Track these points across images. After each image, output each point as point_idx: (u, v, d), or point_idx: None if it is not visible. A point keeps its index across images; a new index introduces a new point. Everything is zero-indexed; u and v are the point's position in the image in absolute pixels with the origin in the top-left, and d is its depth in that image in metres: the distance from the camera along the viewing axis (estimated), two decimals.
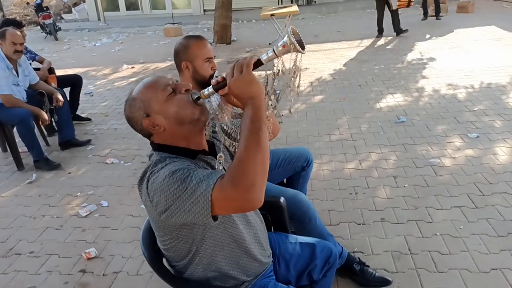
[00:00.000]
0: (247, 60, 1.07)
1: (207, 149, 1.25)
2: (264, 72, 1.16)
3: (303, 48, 1.07)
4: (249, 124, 1.03)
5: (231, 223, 1.23)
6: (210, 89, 1.14)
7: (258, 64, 1.09)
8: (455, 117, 3.78)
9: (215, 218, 1.03)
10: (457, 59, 5.67)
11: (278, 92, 1.18)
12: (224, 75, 1.13)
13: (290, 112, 1.26)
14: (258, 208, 1.37)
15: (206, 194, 0.99)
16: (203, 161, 1.22)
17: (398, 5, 7.05)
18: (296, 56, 1.09)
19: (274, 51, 1.08)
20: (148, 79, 1.20)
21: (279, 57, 1.09)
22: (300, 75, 1.14)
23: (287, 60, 1.13)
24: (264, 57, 1.09)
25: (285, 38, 1.05)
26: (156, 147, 1.20)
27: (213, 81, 1.15)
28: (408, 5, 7.20)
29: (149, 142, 1.23)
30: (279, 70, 1.14)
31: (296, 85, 1.14)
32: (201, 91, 1.16)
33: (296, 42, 1.04)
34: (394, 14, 7.26)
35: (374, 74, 5.40)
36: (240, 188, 0.97)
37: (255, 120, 1.03)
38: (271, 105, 1.16)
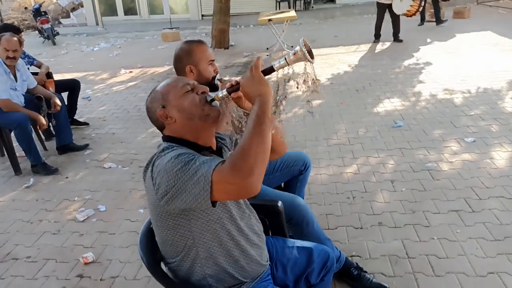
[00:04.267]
0: (255, 62, 1.19)
1: (214, 148, 1.32)
2: (275, 76, 1.25)
3: (312, 57, 1.18)
4: (254, 117, 1.10)
5: (231, 220, 1.25)
6: (224, 91, 1.25)
7: (270, 71, 1.20)
8: (451, 121, 3.80)
9: (213, 204, 1.08)
10: (454, 64, 5.70)
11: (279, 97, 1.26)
12: (237, 79, 1.23)
13: (309, 102, 1.33)
14: (256, 212, 1.39)
15: (206, 175, 1.04)
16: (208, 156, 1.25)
17: (404, 13, 6.96)
18: (306, 64, 1.21)
19: (285, 60, 1.18)
20: (172, 77, 1.32)
21: (290, 65, 1.19)
22: (314, 75, 1.25)
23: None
24: (276, 65, 1.20)
25: (297, 48, 1.16)
26: (167, 138, 1.27)
27: (227, 85, 1.25)
28: (412, 16, 7.09)
29: (157, 142, 1.29)
30: (289, 77, 1.23)
31: (313, 78, 1.25)
32: (215, 93, 1.25)
33: (306, 51, 1.15)
34: (396, 21, 7.26)
35: (371, 79, 5.43)
36: (239, 173, 1.02)
37: (260, 114, 1.10)
38: (280, 111, 1.24)
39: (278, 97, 1.23)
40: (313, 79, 1.23)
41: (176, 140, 1.24)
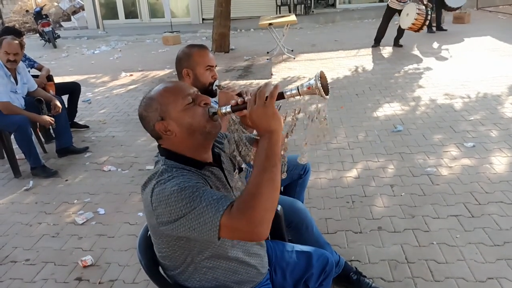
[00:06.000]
0: (271, 91, 1.07)
1: (211, 159, 1.26)
2: (285, 110, 1.18)
3: (327, 92, 1.09)
4: (264, 159, 1.04)
5: None
6: (228, 108, 1.17)
7: (280, 97, 1.11)
8: (451, 126, 3.81)
9: (219, 238, 1.03)
10: (453, 69, 5.71)
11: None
12: (245, 99, 1.14)
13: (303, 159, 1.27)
14: None
15: (215, 219, 1.00)
16: (210, 171, 1.23)
17: (409, 28, 6.85)
18: (318, 102, 1.13)
19: (298, 90, 1.10)
20: (171, 84, 1.21)
21: (301, 96, 1.12)
22: (326, 122, 1.16)
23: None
24: (287, 93, 1.12)
25: (312, 81, 1.08)
26: (164, 152, 1.20)
27: (232, 102, 1.16)
28: (418, 31, 6.94)
29: (157, 145, 1.25)
30: (300, 109, 1.17)
31: (323, 133, 1.16)
32: (219, 108, 1.18)
33: (321, 87, 1.06)
34: (401, 29, 7.23)
35: (371, 83, 5.44)
36: (249, 222, 0.98)
37: (270, 155, 1.04)
38: (287, 145, 1.21)
39: (287, 129, 1.17)
40: (323, 118, 1.14)
41: (174, 155, 1.18)
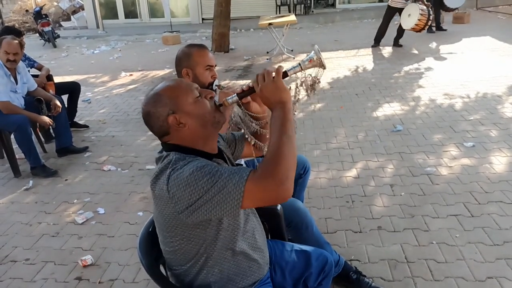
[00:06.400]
0: (277, 69, 1.19)
1: (217, 152, 1.31)
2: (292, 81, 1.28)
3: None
4: (280, 125, 1.14)
5: (237, 226, 1.25)
6: (234, 97, 1.25)
7: (284, 76, 1.21)
8: (451, 126, 3.81)
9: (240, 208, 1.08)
10: (453, 69, 5.72)
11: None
12: (250, 85, 1.24)
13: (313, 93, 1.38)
14: (258, 214, 1.41)
15: (239, 185, 1.05)
16: (217, 163, 1.24)
17: (412, 28, 6.81)
18: (318, 71, 1.25)
19: (300, 66, 1.22)
20: (174, 80, 1.25)
21: (303, 71, 1.23)
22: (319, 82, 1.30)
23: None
24: (290, 71, 1.23)
25: (312, 54, 1.20)
26: (171, 147, 1.21)
27: (238, 89, 1.27)
28: (420, 31, 6.91)
29: (160, 144, 1.26)
30: (302, 81, 1.28)
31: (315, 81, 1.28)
32: (225, 99, 1.25)
33: (323, 58, 1.18)
34: (401, 29, 7.23)
35: (371, 83, 5.44)
36: (275, 179, 1.04)
37: (286, 121, 1.15)
38: (293, 114, 1.27)
39: (292, 100, 1.26)
40: (316, 81, 1.27)
41: (185, 149, 1.20)
